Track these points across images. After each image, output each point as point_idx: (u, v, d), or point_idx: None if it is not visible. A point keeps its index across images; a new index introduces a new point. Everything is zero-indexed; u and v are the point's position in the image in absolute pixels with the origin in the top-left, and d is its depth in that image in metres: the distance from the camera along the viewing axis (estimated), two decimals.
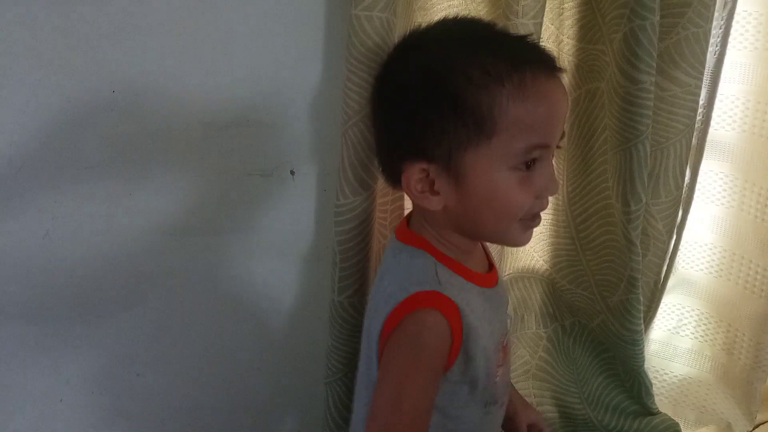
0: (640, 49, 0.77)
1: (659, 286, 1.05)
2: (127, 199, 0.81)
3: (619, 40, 0.80)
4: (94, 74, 0.75)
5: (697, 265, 1.14)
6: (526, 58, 0.55)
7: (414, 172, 0.56)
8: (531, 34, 0.68)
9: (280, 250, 0.90)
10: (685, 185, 0.97)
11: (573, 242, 1.00)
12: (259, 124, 0.82)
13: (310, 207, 0.89)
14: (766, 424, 1.16)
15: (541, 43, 0.61)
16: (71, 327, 0.86)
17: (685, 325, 1.18)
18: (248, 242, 0.89)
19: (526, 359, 1.09)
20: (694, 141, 0.95)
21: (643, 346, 1.00)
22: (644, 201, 0.87)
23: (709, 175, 1.07)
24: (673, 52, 0.84)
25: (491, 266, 0.68)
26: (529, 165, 0.56)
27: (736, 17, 0.91)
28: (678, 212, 0.98)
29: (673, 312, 1.18)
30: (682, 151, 0.91)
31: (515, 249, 1.07)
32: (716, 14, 0.86)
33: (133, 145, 0.79)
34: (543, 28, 0.81)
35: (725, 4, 0.90)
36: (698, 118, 0.93)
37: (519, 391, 0.92)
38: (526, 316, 1.10)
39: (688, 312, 1.18)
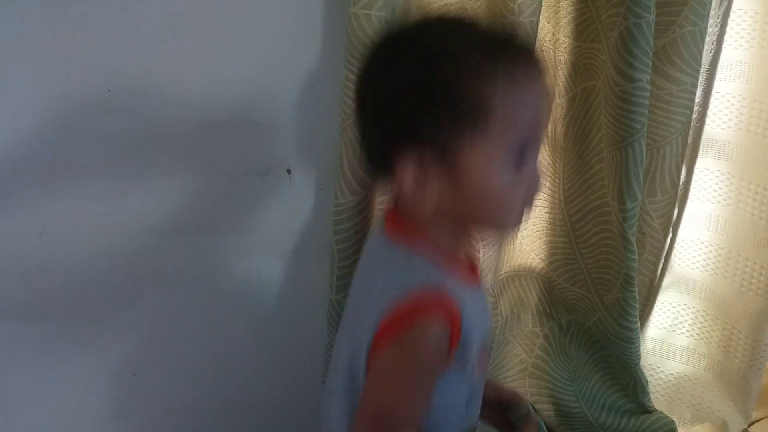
0: (636, 47, 0.77)
1: (655, 284, 1.05)
2: (123, 198, 0.81)
3: (615, 38, 0.80)
4: (89, 73, 0.74)
5: (693, 263, 1.14)
6: (515, 48, 0.56)
7: (407, 163, 0.55)
8: (513, 29, 0.67)
9: (278, 250, 0.90)
10: (680, 183, 0.97)
11: (569, 241, 1.00)
12: (255, 123, 0.82)
13: (307, 206, 0.89)
14: (761, 422, 1.16)
15: (524, 38, 0.60)
16: (67, 327, 0.85)
17: (681, 323, 1.18)
18: (245, 241, 0.88)
19: (522, 358, 1.09)
20: (690, 139, 0.95)
21: (639, 344, 1.00)
22: (640, 199, 0.87)
23: (705, 173, 1.07)
24: (669, 50, 0.84)
25: (474, 265, 0.68)
26: (522, 155, 0.55)
27: (732, 15, 0.91)
28: (674, 210, 0.98)
29: (669, 310, 1.18)
30: (678, 150, 0.91)
31: (511, 247, 1.07)
32: (712, 12, 0.86)
33: (129, 144, 0.79)
34: (539, 26, 0.81)
35: (721, 2, 0.90)
36: (694, 116, 0.93)
37: (515, 390, 0.92)
38: (522, 315, 1.10)
39: (684, 310, 1.18)
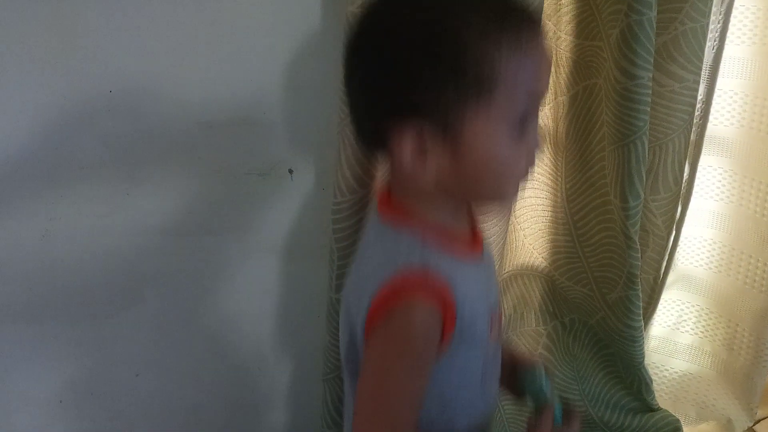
0: (637, 44, 0.77)
1: (659, 282, 1.05)
2: (125, 198, 0.81)
3: (616, 35, 0.79)
4: (90, 74, 0.74)
5: (697, 261, 1.14)
6: (520, 14, 0.53)
7: (405, 135, 0.52)
8: None
9: (278, 249, 0.90)
10: (684, 181, 0.96)
11: (572, 239, 1.00)
12: (256, 124, 0.82)
13: (308, 205, 0.89)
14: (766, 420, 1.16)
15: (525, 3, 0.57)
16: (70, 327, 0.86)
17: (685, 321, 1.18)
18: (246, 241, 0.89)
19: None
20: (693, 136, 0.94)
21: (643, 343, 1.00)
22: (642, 197, 0.87)
23: (708, 170, 1.07)
24: (670, 48, 0.84)
25: (476, 234, 0.65)
26: (524, 121, 0.53)
27: (734, 12, 0.91)
28: (677, 208, 0.98)
29: (672, 308, 1.18)
30: (680, 147, 0.91)
31: (514, 246, 1.07)
32: (714, 9, 0.85)
33: (130, 144, 0.79)
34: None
35: None
36: (697, 113, 0.92)
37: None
38: (525, 314, 1.10)
39: (688, 308, 1.17)
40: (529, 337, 1.09)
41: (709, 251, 1.12)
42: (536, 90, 0.54)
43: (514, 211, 1.05)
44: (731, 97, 1.01)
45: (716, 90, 0.95)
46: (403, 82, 0.52)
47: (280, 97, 0.82)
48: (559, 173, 0.99)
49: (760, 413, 1.14)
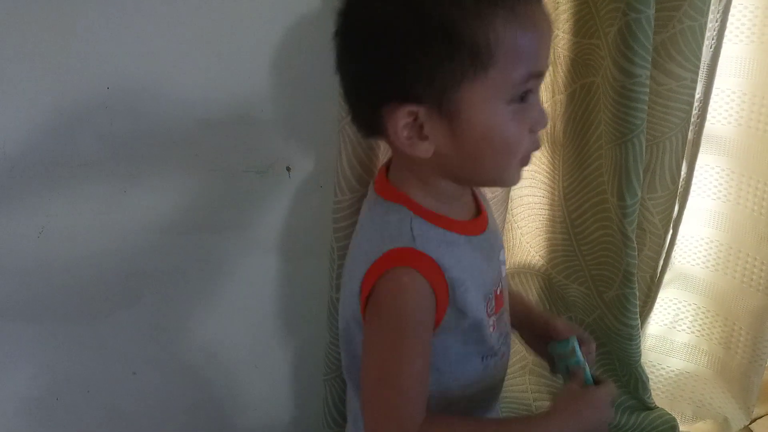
0: (635, 42, 0.77)
1: (656, 280, 1.05)
2: (123, 196, 0.81)
3: (614, 33, 0.79)
4: (88, 71, 0.74)
5: (694, 260, 1.14)
6: None
7: (400, 117, 0.51)
8: None
9: (277, 248, 0.90)
10: (681, 179, 0.97)
11: (569, 238, 1.00)
12: (254, 121, 0.82)
13: (307, 204, 0.89)
14: (763, 419, 1.16)
15: None
16: (67, 325, 0.85)
17: (682, 319, 1.18)
18: (245, 239, 0.88)
19: (522, 355, 1.09)
20: (690, 135, 0.94)
21: (640, 341, 1.00)
22: (640, 196, 0.87)
23: (705, 169, 1.07)
24: (668, 46, 0.84)
25: (480, 211, 0.64)
26: (523, 97, 0.52)
27: (732, 10, 0.91)
28: (674, 207, 0.98)
29: (669, 306, 1.18)
30: (678, 146, 0.91)
31: (511, 245, 1.07)
32: (712, 7, 0.85)
33: (128, 142, 0.79)
34: None
35: None
36: (694, 111, 0.92)
37: (517, 386, 0.91)
38: None
39: (684, 306, 1.18)
40: None
41: (707, 250, 1.12)
42: (534, 65, 0.52)
43: (511, 210, 1.05)
44: (729, 96, 1.01)
45: (714, 88, 0.95)
46: (393, 63, 0.51)
47: (278, 95, 0.82)
48: (556, 171, 0.99)
49: (756, 412, 1.14)
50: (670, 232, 1.01)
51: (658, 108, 0.87)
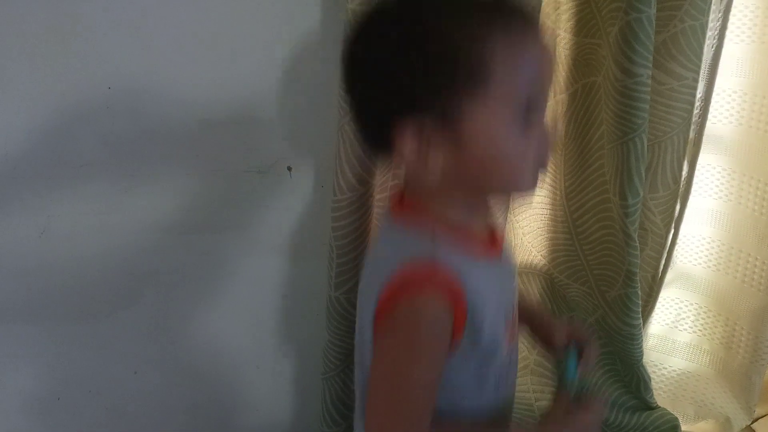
0: (636, 42, 0.77)
1: (657, 280, 1.05)
2: (124, 196, 0.81)
3: (615, 33, 0.79)
4: (90, 72, 0.74)
5: (696, 259, 1.14)
6: (512, 9, 0.54)
7: (407, 132, 0.52)
8: None
9: (277, 247, 0.90)
10: (682, 179, 0.96)
11: (571, 237, 1.00)
12: (255, 121, 0.82)
13: (307, 203, 0.89)
14: (764, 418, 1.16)
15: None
16: (68, 325, 0.85)
17: (684, 319, 1.18)
18: (245, 239, 0.88)
19: (524, 354, 1.09)
20: (691, 135, 0.94)
21: (642, 341, 1.00)
22: (642, 195, 0.87)
23: (707, 168, 1.07)
24: (670, 45, 0.83)
25: (495, 236, 0.65)
26: (528, 115, 0.53)
27: (734, 10, 0.91)
28: (676, 206, 0.98)
29: (671, 306, 1.18)
30: (679, 145, 0.91)
31: (513, 244, 1.07)
32: (713, 7, 0.85)
33: (129, 142, 0.79)
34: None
35: None
36: (696, 111, 0.92)
37: (520, 386, 0.90)
38: None
39: (686, 306, 1.17)
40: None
41: (708, 249, 1.12)
42: (535, 79, 0.53)
43: (513, 210, 1.05)
44: (730, 96, 1.01)
45: (715, 88, 0.95)
46: (398, 80, 0.52)
47: (279, 95, 0.82)
48: (558, 171, 0.99)
49: (758, 411, 1.14)
50: (672, 231, 1.01)
51: (659, 108, 0.87)
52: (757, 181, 1.01)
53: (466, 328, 0.55)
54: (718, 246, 1.10)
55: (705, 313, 1.16)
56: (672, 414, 1.06)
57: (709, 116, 0.97)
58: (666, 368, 1.18)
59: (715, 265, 1.12)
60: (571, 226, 0.99)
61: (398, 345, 0.54)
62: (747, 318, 1.08)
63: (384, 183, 0.84)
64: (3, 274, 0.81)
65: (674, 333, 1.19)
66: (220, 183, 0.84)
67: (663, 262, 1.03)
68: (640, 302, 0.96)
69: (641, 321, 0.98)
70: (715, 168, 1.07)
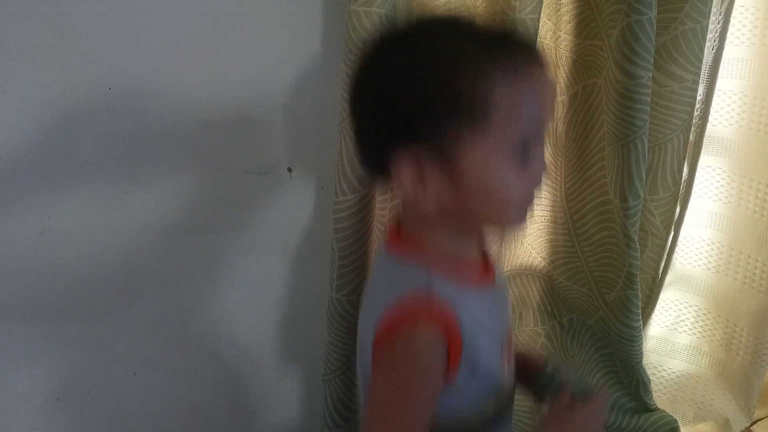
0: (637, 44, 0.77)
1: (657, 282, 1.05)
2: (124, 197, 0.81)
3: (616, 35, 0.79)
4: (89, 71, 0.74)
5: (696, 261, 1.14)
6: (513, 44, 0.55)
7: (405, 161, 0.54)
8: (512, 26, 0.66)
9: (278, 248, 0.90)
10: (683, 181, 0.97)
11: (571, 239, 1.00)
12: (256, 122, 0.82)
13: (308, 205, 0.89)
14: (764, 420, 1.16)
15: (524, 34, 0.59)
16: (68, 326, 0.85)
17: (684, 321, 1.18)
18: (245, 240, 0.88)
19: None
20: (692, 136, 0.94)
21: (641, 343, 1.00)
22: (642, 197, 0.87)
23: (706, 170, 1.07)
24: (670, 48, 0.84)
25: (488, 264, 0.66)
26: (526, 151, 0.54)
27: (734, 12, 0.91)
28: (676, 208, 0.98)
29: (671, 308, 1.18)
30: (680, 147, 0.91)
31: (513, 245, 1.07)
32: (714, 9, 0.85)
33: (129, 142, 0.79)
34: (540, 23, 0.81)
35: None
36: (696, 113, 0.93)
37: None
38: (523, 314, 1.10)
39: (686, 308, 1.18)
40: (528, 337, 1.09)
41: (708, 251, 1.12)
42: (534, 117, 0.54)
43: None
44: (730, 98, 1.01)
45: (716, 90, 0.96)
46: (399, 113, 0.54)
47: (280, 95, 0.82)
48: (558, 172, 0.99)
49: (757, 413, 1.14)
50: (672, 233, 1.01)
51: (660, 109, 0.87)
52: (757, 183, 1.02)
53: (463, 359, 0.56)
54: (718, 248, 1.11)
55: (705, 314, 1.16)
56: (671, 416, 1.06)
57: (710, 118, 0.97)
58: (665, 370, 1.18)
59: (715, 267, 1.12)
60: (572, 227, 0.99)
61: (396, 377, 0.55)
62: (747, 320, 1.08)
63: (384, 188, 0.84)
64: (3, 274, 0.80)
65: (674, 335, 1.19)
66: (221, 184, 0.84)
67: (663, 263, 1.03)
68: (640, 304, 0.96)
69: (641, 323, 0.98)
70: (715, 170, 1.07)
